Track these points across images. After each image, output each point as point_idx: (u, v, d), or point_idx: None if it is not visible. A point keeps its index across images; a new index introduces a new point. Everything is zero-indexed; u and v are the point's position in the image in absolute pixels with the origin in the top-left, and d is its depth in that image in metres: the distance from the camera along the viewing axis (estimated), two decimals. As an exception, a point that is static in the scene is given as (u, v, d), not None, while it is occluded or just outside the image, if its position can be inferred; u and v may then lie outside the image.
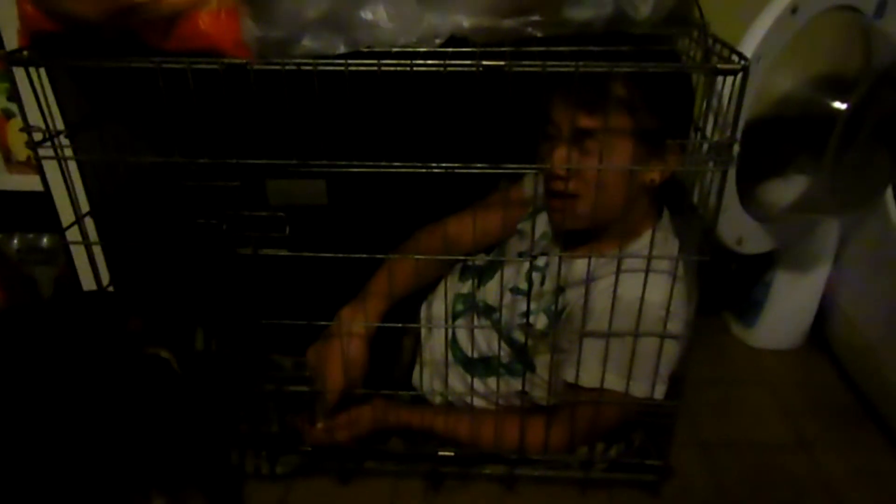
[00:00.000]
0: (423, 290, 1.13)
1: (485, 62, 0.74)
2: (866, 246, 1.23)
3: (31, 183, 1.01)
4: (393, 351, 1.08)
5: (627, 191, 0.87)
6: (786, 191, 1.06)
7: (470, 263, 1.10)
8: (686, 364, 0.91)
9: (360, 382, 0.98)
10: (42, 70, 0.81)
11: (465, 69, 0.74)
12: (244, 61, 0.76)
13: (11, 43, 0.90)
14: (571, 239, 0.97)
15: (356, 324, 0.97)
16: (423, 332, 1.09)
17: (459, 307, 1.08)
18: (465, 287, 1.09)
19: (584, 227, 0.93)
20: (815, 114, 0.98)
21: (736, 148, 0.80)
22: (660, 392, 0.91)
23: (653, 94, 0.84)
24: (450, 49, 0.77)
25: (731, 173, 0.96)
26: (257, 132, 0.79)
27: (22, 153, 1.05)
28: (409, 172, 0.79)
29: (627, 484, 1.00)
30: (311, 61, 0.75)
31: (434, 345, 1.07)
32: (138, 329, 0.77)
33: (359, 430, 1.00)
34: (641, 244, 0.91)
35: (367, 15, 0.77)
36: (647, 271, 0.84)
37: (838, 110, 0.96)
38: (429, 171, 0.79)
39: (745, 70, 0.74)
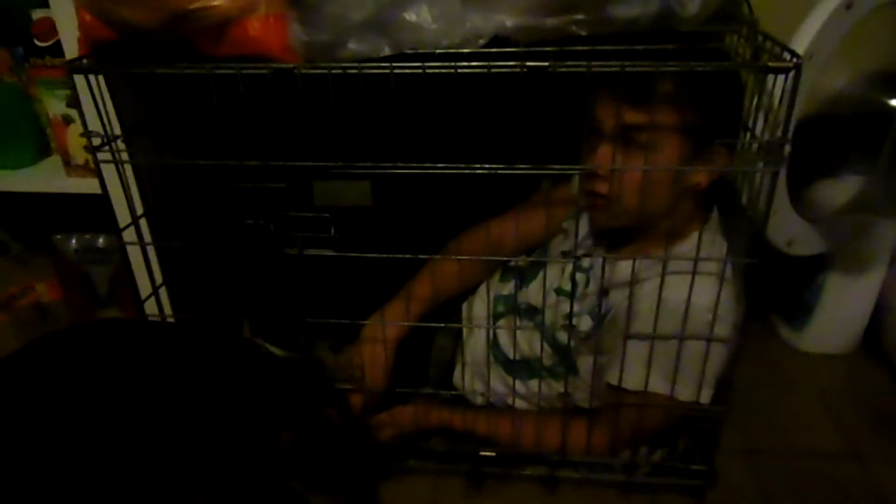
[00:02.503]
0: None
1: (529, 63, 0.74)
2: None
3: (88, 186, 1.05)
4: (426, 350, 1.09)
5: (672, 193, 0.85)
6: (839, 192, 1.03)
7: (511, 264, 1.10)
8: (733, 368, 0.90)
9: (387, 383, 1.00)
10: (100, 77, 0.84)
11: (509, 70, 0.74)
12: (291, 66, 0.77)
13: (72, 52, 0.94)
14: (616, 239, 0.96)
15: (393, 324, 0.99)
16: (465, 332, 1.10)
17: (501, 308, 1.08)
18: (507, 288, 1.09)
19: (625, 227, 0.92)
20: (870, 112, 0.95)
21: (787, 148, 0.78)
22: (706, 396, 0.89)
23: (700, 92, 0.83)
24: (494, 50, 0.78)
25: (782, 174, 0.94)
26: (304, 135, 0.81)
27: (80, 157, 1.09)
28: (453, 173, 0.79)
29: (671, 489, 0.99)
30: (356, 65, 0.77)
31: (475, 346, 1.08)
32: (287, 445, 0.75)
33: (401, 429, 1.01)
34: (688, 245, 0.90)
35: (411, 16, 0.78)
36: (693, 273, 0.83)
37: (894, 108, 0.93)
38: (472, 171, 0.79)
39: (798, 68, 0.72)
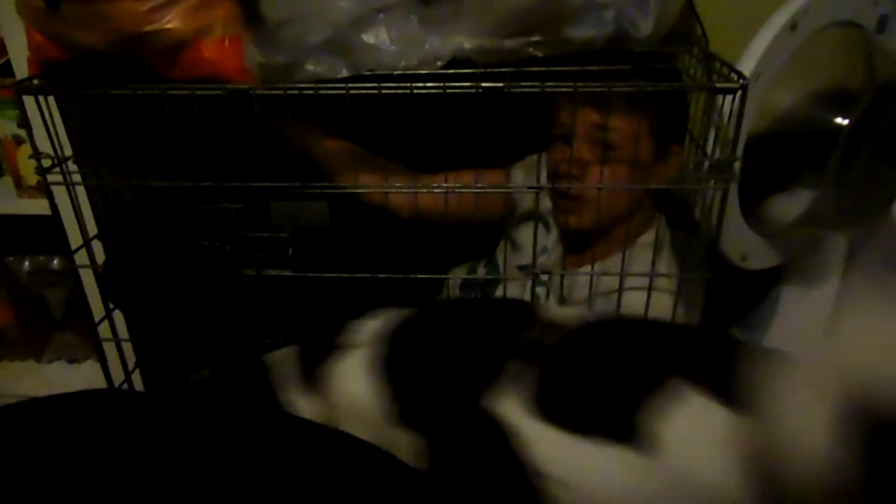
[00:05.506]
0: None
1: (484, 84, 0.75)
2: (875, 259, 1.22)
3: (40, 207, 1.02)
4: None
5: (639, 191, 0.87)
6: (790, 206, 1.05)
7: (469, 278, 1.10)
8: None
9: None
10: (51, 98, 0.83)
11: (465, 91, 0.75)
12: (247, 87, 0.77)
13: (21, 72, 0.92)
14: (574, 249, 0.97)
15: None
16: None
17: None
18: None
19: (593, 228, 0.93)
20: (818, 129, 0.98)
21: (737, 165, 0.80)
22: None
23: (659, 96, 0.85)
24: (450, 71, 0.78)
25: (734, 190, 0.96)
26: (261, 155, 0.80)
27: (32, 178, 1.07)
28: (410, 192, 0.79)
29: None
30: (312, 86, 0.77)
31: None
32: None
33: None
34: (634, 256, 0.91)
35: (369, 38, 0.78)
36: (620, 288, 0.84)
37: (840, 126, 0.96)
38: (430, 191, 0.79)
39: (744, 89, 0.75)
